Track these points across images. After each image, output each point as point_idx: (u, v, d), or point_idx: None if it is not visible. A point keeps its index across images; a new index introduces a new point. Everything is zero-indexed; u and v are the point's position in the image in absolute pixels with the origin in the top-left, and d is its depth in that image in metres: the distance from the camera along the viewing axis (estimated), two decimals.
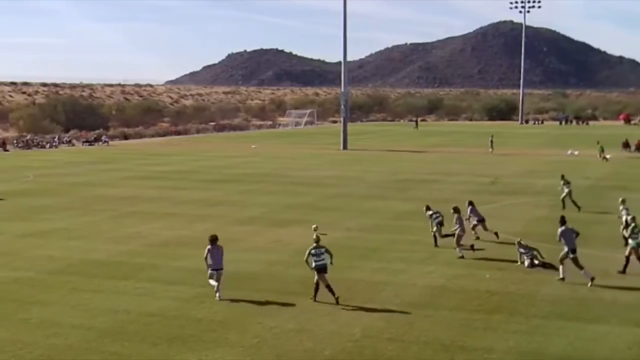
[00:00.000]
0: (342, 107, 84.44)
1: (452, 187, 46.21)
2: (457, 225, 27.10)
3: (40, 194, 43.75)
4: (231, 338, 18.02)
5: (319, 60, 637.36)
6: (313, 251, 21.22)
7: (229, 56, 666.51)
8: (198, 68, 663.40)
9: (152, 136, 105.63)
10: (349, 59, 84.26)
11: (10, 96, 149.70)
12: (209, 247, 21.57)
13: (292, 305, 20.69)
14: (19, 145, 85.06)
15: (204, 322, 19.18)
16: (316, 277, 21.12)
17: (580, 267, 22.99)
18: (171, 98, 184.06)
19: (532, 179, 50.13)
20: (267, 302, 20.92)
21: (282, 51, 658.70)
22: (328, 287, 20.89)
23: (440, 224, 28.62)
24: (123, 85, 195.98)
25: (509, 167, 57.64)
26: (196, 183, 48.98)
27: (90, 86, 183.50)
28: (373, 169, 57.60)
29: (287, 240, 29.67)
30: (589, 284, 22.61)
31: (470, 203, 30.12)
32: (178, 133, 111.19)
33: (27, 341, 17.75)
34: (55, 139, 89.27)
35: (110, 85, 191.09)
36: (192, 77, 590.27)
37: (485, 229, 29.48)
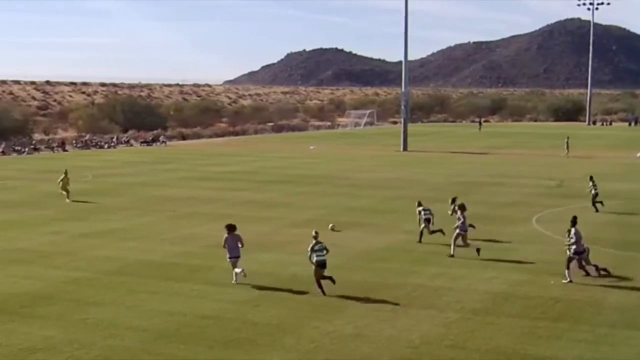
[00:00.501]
0: (403, 107, 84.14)
1: (516, 190, 45.67)
2: (459, 222, 27.27)
3: (98, 194, 44.50)
4: (287, 342, 18.06)
5: (379, 60, 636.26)
6: (316, 247, 22.32)
7: (288, 55, 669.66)
8: (257, 68, 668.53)
9: (210, 136, 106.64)
10: (410, 58, 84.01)
11: (70, 96, 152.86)
12: (226, 235, 23.22)
13: (350, 309, 20.65)
14: (78, 145, 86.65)
15: (260, 326, 19.26)
16: (316, 272, 22.15)
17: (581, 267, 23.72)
18: (229, 98, 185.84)
19: (599, 182, 49.19)
20: (324, 306, 20.93)
21: (341, 50, 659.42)
22: (323, 278, 22.12)
23: (428, 221, 29.55)
24: (181, 85, 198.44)
25: (576, 170, 56.70)
26: (253, 184, 49.28)
27: (148, 86, 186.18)
28: (434, 171, 57.25)
29: (345, 244, 29.64)
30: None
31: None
32: (236, 133, 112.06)
33: (84, 341, 18.04)
34: (114, 139, 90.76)
35: (169, 85, 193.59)
36: (251, 77, 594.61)
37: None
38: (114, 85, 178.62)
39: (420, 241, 29.30)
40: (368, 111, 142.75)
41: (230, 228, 23.34)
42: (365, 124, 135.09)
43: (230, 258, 23.35)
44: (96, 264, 26.31)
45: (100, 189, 47.00)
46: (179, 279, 24.02)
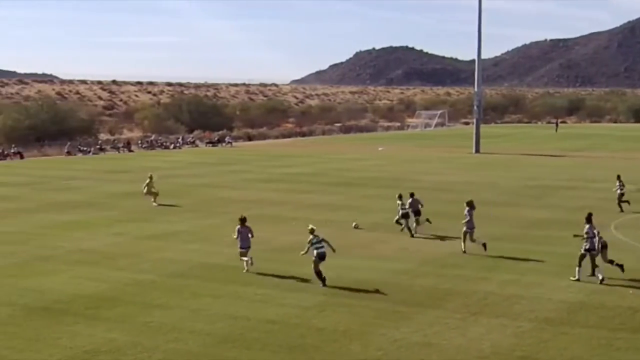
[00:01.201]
0: (475, 107, 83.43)
1: (593, 194, 44.90)
2: (467, 219, 28.50)
3: (162, 195, 45.03)
4: (353, 349, 18.06)
5: (451, 59, 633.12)
6: (314, 240, 24.16)
7: (357, 54, 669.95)
8: (324, 67, 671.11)
9: (277, 137, 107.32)
10: (483, 56, 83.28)
11: (136, 96, 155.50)
12: (238, 227, 25.78)
13: (418, 316, 20.56)
14: (143, 145, 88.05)
15: (325, 332, 19.31)
16: (315, 263, 23.92)
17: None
18: (296, 98, 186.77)
19: None
20: (392, 313, 20.87)
21: (412, 49, 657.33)
22: (319, 275, 23.87)
23: (406, 216, 32.50)
24: (248, 85, 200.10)
25: None
26: (320, 186, 49.42)
27: (215, 86, 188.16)
28: (507, 174, 56.63)
29: (414, 248, 29.54)
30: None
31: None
32: (303, 134, 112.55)
33: (148, 345, 18.33)
34: (179, 140, 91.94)
35: (235, 85, 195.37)
36: (318, 76, 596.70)
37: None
38: (180, 84, 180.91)
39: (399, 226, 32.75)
40: (439, 112, 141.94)
41: (243, 220, 25.88)
42: (436, 125, 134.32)
43: (241, 248, 25.85)
44: (160, 266, 26.71)
45: (165, 190, 47.57)
46: (243, 283, 24.23)
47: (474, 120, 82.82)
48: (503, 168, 61.77)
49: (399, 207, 32.86)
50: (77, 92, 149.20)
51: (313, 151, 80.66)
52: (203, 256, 28.34)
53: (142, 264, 27.14)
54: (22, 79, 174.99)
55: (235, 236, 25.97)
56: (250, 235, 25.86)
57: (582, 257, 24.46)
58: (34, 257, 28.26)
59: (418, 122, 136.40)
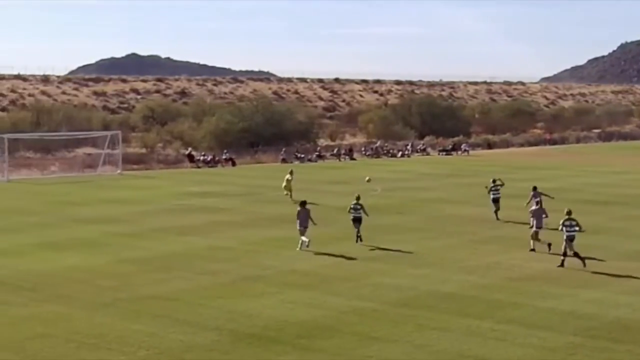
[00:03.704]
0: None
1: None
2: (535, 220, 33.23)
3: (387, 210, 45.55)
4: None
5: None
6: (352, 206, 35.90)
7: (622, 46, 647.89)
8: (582, 62, 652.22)
9: (521, 145, 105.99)
10: None
11: (361, 96, 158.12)
12: (299, 209, 34.29)
13: None
14: (367, 153, 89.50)
15: None
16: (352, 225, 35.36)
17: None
18: (546, 99, 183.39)
19: None
20: None
21: None
22: (358, 234, 35.63)
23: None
24: (489, 83, 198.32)
25: None
26: (573, 204, 47.94)
27: (450, 84, 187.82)
28: None
29: None
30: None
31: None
32: (553, 142, 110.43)
33: None
34: (408, 147, 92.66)
35: (474, 83, 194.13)
36: (574, 73, 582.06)
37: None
38: (411, 83, 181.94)
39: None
40: None
41: (303, 203, 34.59)
42: None
43: (299, 227, 33.92)
44: (382, 292, 26.99)
45: (390, 204, 48.12)
46: (478, 316, 24.03)
47: None
48: None
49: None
50: (296, 92, 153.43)
51: (565, 162, 78.85)
52: (432, 283, 28.37)
53: (361, 289, 27.54)
54: (237, 76, 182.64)
55: (297, 217, 34.26)
56: (309, 217, 34.02)
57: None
58: (243, 277, 29.42)
59: None
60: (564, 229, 30.55)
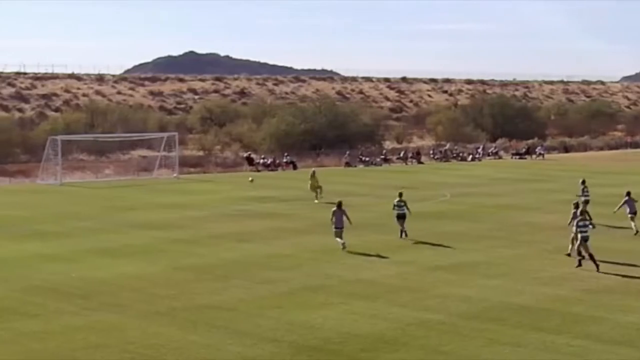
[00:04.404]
0: None
1: None
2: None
3: (456, 217, 45.35)
4: None
5: None
6: (396, 203, 38.18)
7: None
8: None
9: (600, 148, 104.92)
10: None
11: (429, 96, 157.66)
12: (334, 209, 35.61)
13: None
14: (436, 156, 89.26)
15: None
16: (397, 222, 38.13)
17: None
18: (628, 99, 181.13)
19: None
20: None
21: None
22: (402, 230, 38.24)
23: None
24: (566, 83, 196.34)
25: None
26: None
27: (525, 83, 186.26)
28: None
29: None
30: None
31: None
32: (635, 145, 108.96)
33: None
34: (479, 150, 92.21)
35: (551, 83, 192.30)
36: None
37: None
38: (483, 82, 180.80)
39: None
40: None
41: (339, 204, 35.74)
42: None
43: (335, 228, 35.33)
44: (450, 304, 26.84)
45: (459, 210, 47.85)
46: (554, 330, 23.78)
47: None
48: None
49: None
50: (361, 92, 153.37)
51: None
52: (504, 294, 28.13)
53: (428, 300, 27.42)
54: (299, 75, 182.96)
55: (331, 218, 35.63)
56: (345, 218, 35.54)
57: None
58: (304, 286, 29.44)
59: None
60: (577, 229, 31.16)
